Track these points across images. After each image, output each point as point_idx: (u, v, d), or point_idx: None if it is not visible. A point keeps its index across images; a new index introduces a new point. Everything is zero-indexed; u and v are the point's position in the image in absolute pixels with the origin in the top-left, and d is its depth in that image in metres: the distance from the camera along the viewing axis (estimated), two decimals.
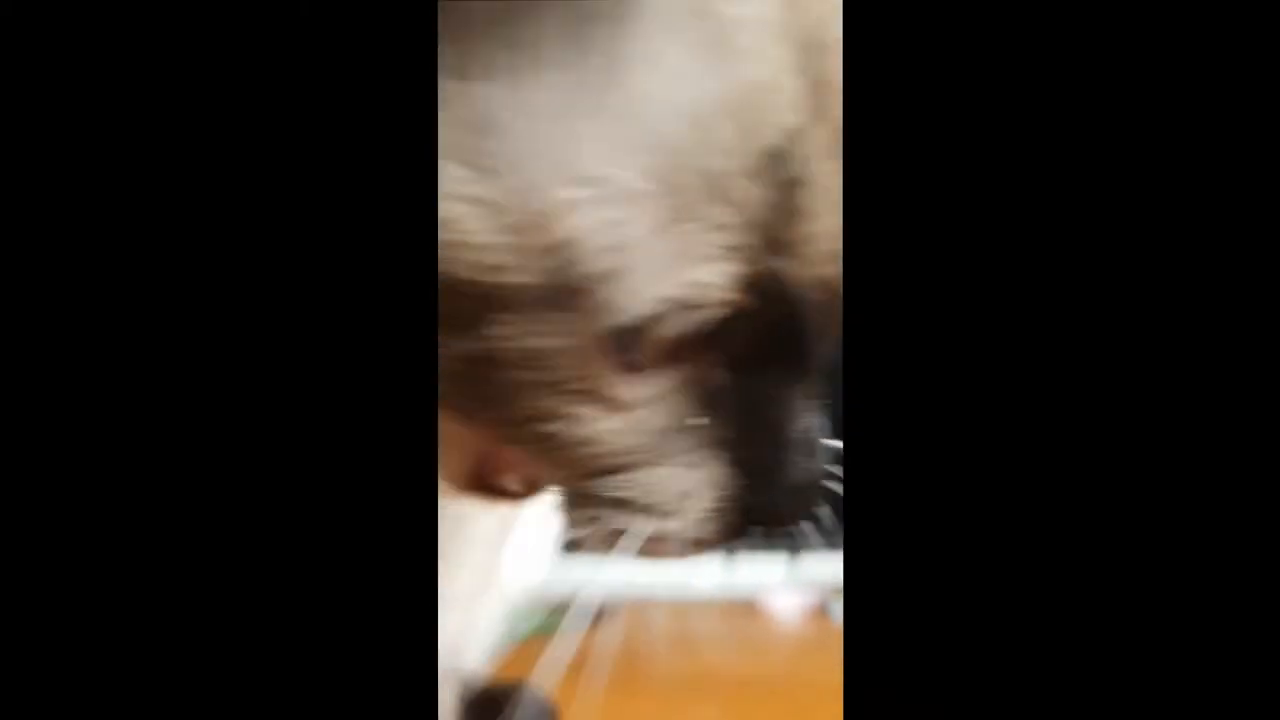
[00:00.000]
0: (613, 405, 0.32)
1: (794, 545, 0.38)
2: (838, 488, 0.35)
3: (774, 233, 0.32)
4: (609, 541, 0.35)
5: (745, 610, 1.15)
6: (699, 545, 0.35)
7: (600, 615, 0.37)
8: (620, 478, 0.34)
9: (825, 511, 0.37)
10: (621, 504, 0.34)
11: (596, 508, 0.34)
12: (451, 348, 0.30)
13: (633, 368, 0.32)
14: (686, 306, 0.31)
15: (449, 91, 0.28)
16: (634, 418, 0.33)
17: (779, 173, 0.31)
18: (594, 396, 0.32)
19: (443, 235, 0.29)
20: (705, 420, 0.34)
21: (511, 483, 0.38)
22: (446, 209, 0.29)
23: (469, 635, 0.54)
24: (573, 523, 0.35)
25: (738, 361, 0.34)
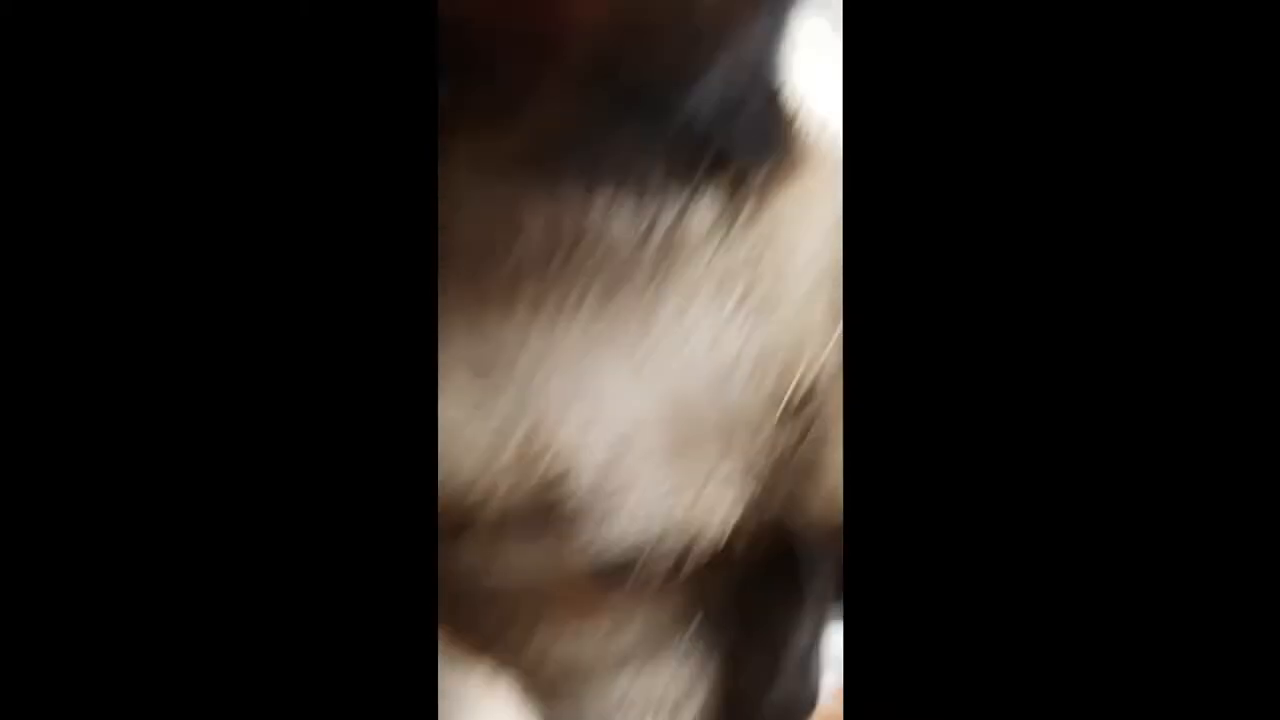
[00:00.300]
0: (601, 619, 0.33)
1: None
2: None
3: (777, 482, 0.33)
4: None
5: None
6: None
7: None
8: (620, 681, 0.35)
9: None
10: (626, 703, 0.35)
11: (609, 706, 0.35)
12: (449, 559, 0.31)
13: (620, 592, 0.33)
14: (685, 540, 0.32)
15: (460, 323, 0.30)
16: (627, 629, 0.34)
17: (790, 422, 0.32)
18: (584, 611, 0.33)
19: (450, 460, 0.30)
20: (700, 627, 0.35)
21: None
22: (456, 426, 0.30)
23: None
24: None
25: (733, 585, 0.35)
